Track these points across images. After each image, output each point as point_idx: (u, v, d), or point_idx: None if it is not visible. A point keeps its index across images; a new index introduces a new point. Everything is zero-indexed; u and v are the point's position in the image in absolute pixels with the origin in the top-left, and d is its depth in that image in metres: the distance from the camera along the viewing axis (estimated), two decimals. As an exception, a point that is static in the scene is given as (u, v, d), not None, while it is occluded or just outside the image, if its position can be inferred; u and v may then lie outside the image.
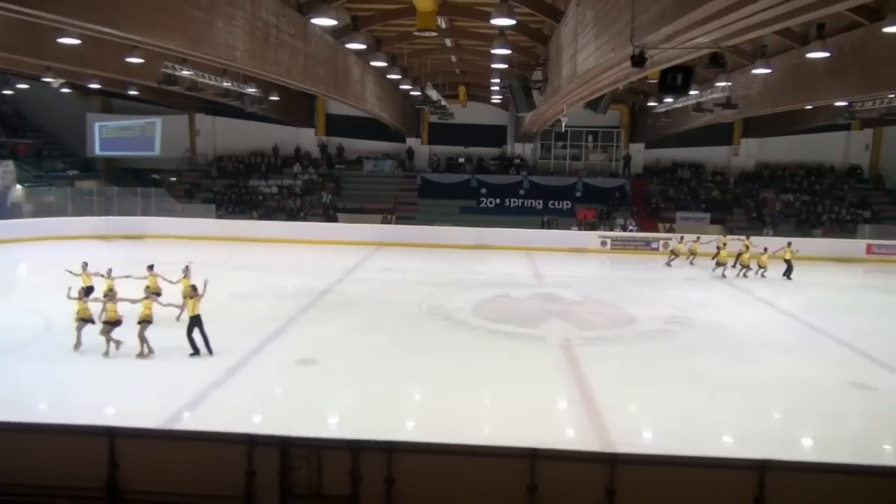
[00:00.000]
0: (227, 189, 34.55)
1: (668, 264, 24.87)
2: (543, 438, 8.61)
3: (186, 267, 14.82)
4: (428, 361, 13.07)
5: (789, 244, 23.15)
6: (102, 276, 14.43)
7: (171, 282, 14.66)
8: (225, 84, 22.29)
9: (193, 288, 12.95)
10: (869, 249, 27.85)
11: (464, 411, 10.67)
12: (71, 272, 14.72)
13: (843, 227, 31.36)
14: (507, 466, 6.85)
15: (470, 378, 12.11)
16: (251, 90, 23.89)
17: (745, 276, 22.62)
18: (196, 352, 12.67)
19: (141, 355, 12.39)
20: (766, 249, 22.91)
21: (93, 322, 12.60)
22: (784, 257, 22.71)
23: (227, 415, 10.08)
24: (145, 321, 12.44)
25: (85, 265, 15.12)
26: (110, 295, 12.60)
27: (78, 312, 12.66)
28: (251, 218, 31.70)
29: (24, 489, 7.07)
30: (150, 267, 15.04)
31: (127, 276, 14.62)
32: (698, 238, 25.52)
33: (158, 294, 14.08)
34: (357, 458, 6.88)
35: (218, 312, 16.35)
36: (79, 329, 12.65)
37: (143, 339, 12.40)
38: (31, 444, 7.28)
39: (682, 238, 25.69)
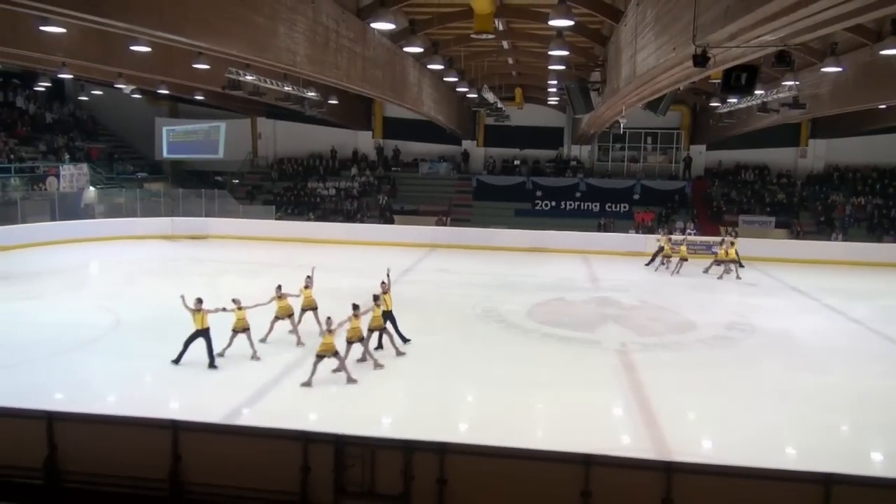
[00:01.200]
0: (286, 191, 35.25)
1: (664, 266, 23.19)
2: (598, 444, 8.47)
3: (309, 276, 14.07)
4: (481, 363, 13.04)
5: (734, 240, 23.20)
6: (224, 309, 12.39)
7: (296, 295, 13.71)
8: (286, 88, 22.80)
9: (382, 287, 13.28)
10: (947, 255, 26.31)
11: (517, 414, 10.61)
12: (186, 306, 12.15)
13: (919, 233, 29.86)
14: (561, 471, 6.77)
15: (523, 381, 12.02)
16: (311, 94, 24.34)
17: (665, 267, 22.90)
18: (380, 345, 13.01)
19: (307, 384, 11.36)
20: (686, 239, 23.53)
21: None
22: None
23: (283, 412, 10.30)
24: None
25: (199, 301, 12.08)
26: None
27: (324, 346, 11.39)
28: (309, 219, 32.22)
29: (94, 477, 7.39)
30: (279, 288, 13.47)
31: (256, 305, 12.84)
32: (666, 234, 24.94)
33: (291, 315, 13.49)
34: (410, 458, 6.92)
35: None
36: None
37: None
38: (100, 435, 7.61)
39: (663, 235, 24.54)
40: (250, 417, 10.11)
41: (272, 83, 21.78)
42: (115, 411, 9.00)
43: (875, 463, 9.67)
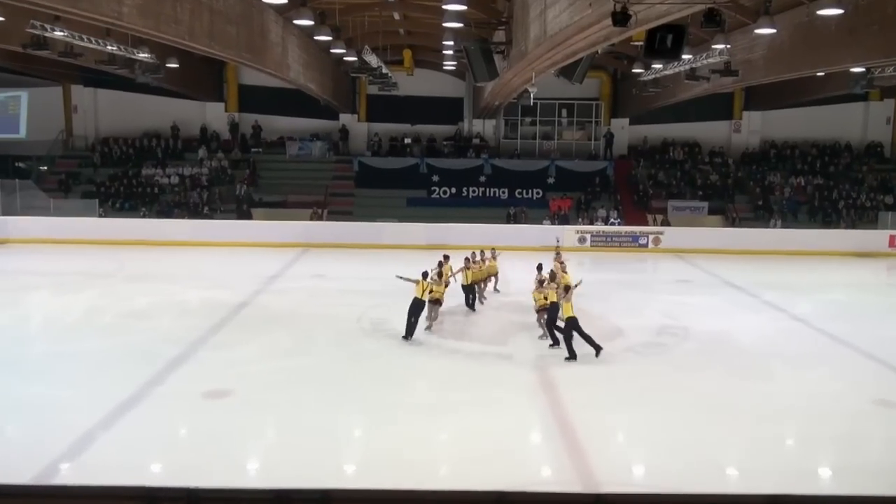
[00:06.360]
0: (113, 180, 34.10)
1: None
2: (513, 479, 8.66)
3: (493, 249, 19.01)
4: (371, 389, 13.00)
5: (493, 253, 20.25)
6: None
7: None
8: (109, 48, 21.82)
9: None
10: (892, 241, 28.71)
11: (416, 449, 10.65)
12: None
13: (862, 216, 32.37)
14: (471, 515, 6.87)
15: (423, 408, 12.12)
16: (143, 56, 23.47)
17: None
18: (556, 343, 14.96)
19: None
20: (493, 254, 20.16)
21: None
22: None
23: (119, 464, 9.86)
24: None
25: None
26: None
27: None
28: (144, 216, 31.34)
29: None
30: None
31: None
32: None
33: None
34: (284, 512, 6.81)
35: (106, 335, 16.06)
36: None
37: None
38: None
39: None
40: (71, 474, 9.62)
41: (91, 41, 20.78)
42: None
43: (825, 480, 10.43)
